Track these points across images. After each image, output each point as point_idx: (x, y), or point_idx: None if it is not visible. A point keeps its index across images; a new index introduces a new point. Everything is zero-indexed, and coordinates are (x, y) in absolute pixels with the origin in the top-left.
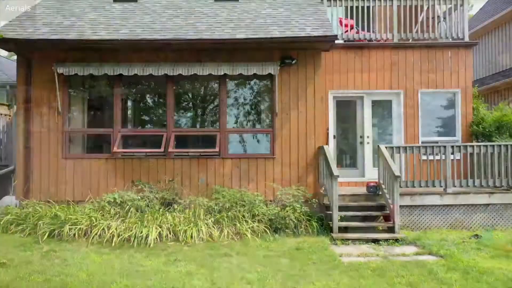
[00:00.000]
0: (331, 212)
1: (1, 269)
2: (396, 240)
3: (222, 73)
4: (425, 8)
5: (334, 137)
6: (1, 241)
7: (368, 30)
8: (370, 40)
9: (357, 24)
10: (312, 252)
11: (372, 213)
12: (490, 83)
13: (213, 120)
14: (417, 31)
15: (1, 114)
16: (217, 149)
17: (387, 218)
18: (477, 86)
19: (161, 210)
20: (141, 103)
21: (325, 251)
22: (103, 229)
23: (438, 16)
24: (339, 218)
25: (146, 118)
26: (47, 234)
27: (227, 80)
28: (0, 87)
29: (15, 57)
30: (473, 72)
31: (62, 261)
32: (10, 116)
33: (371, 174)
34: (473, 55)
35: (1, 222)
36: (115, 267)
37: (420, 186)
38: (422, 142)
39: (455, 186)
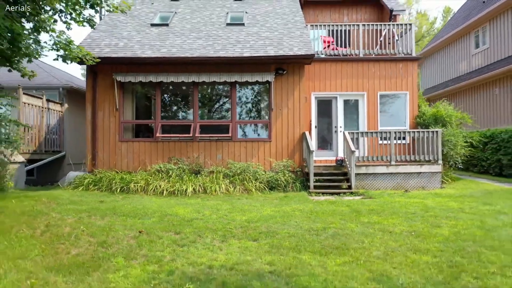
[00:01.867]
0: (309, 177)
1: (102, 203)
2: (351, 193)
3: (233, 80)
4: (384, 31)
5: (316, 127)
6: (89, 194)
7: (341, 46)
8: (345, 55)
9: (333, 42)
10: (294, 197)
11: (338, 177)
12: (452, 85)
13: (226, 113)
14: (377, 48)
15: (56, 111)
16: (229, 135)
17: (348, 181)
18: (422, 92)
19: (192, 175)
20: (174, 101)
21: (302, 197)
22: (155, 186)
23: (394, 37)
24: (314, 180)
25: (178, 112)
26: (119, 189)
27: (237, 85)
28: (54, 89)
29: (64, 67)
30: (441, 75)
31: (136, 201)
32: (61, 112)
33: (342, 154)
34: (421, 65)
35: (84, 183)
36: (171, 202)
37: (373, 160)
38: (380, 130)
39: (397, 161)
